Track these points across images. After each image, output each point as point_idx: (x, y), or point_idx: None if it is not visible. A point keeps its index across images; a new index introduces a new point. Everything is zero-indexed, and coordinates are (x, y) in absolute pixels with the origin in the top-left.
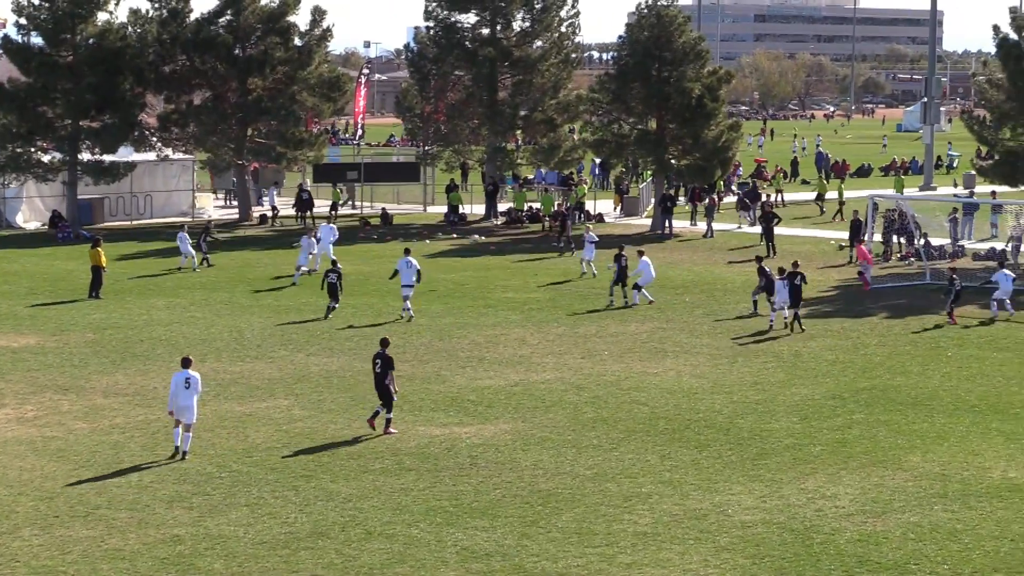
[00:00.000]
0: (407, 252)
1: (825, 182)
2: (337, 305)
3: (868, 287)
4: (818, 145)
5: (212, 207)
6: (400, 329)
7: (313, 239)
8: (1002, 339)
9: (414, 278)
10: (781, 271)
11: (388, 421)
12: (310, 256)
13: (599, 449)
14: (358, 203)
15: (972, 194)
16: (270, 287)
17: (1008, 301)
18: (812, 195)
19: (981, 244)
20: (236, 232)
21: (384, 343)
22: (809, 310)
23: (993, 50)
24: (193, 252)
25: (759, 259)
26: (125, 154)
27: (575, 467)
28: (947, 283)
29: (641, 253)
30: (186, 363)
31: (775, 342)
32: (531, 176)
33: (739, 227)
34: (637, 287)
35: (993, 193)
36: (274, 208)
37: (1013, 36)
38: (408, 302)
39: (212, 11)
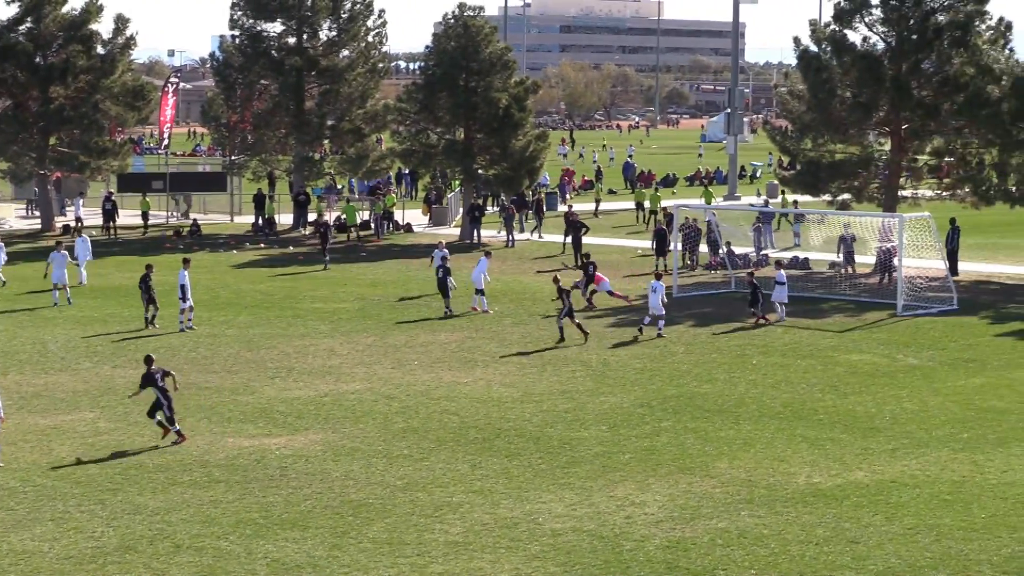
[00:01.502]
0: (185, 263)
1: (644, 191)
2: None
3: (618, 295)
4: (630, 155)
5: (13, 217)
6: (207, 340)
7: (64, 252)
8: (806, 347)
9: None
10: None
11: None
12: (76, 269)
13: (410, 459)
14: (163, 213)
15: (767, 203)
16: (76, 296)
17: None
18: (624, 204)
19: (784, 252)
20: (39, 243)
21: (149, 361)
22: (616, 319)
23: (794, 62)
24: None
25: (556, 279)
26: None
27: (386, 477)
28: (749, 288)
29: (488, 255)
30: None
31: (582, 350)
32: (340, 186)
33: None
34: (481, 292)
35: (795, 202)
36: (79, 219)
37: (813, 48)
38: (191, 312)
39: (11, 18)
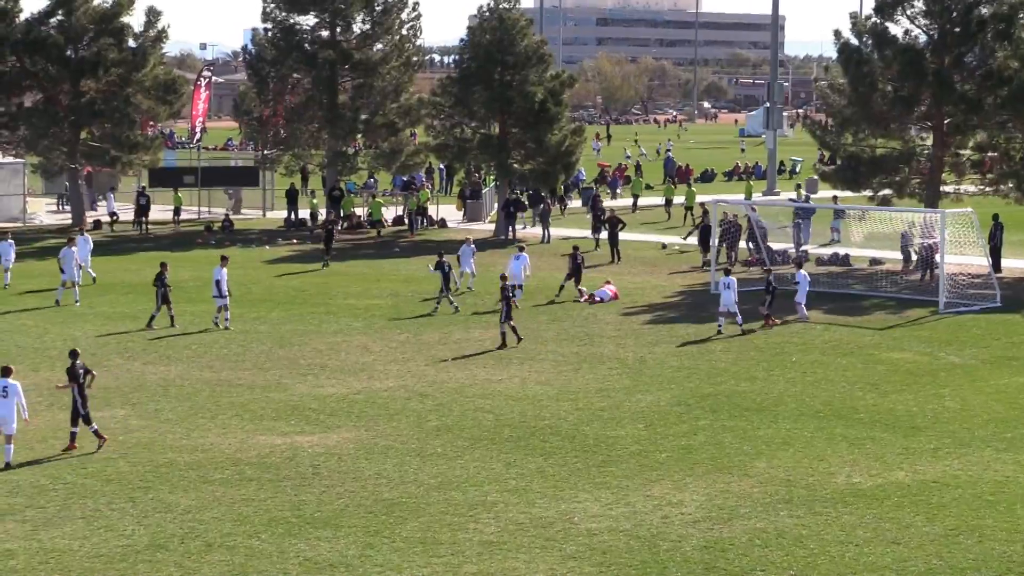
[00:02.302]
0: (223, 261)
1: (673, 187)
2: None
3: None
4: (668, 150)
5: (44, 212)
6: (239, 336)
7: (73, 249)
8: (846, 344)
9: (224, 289)
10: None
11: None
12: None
13: (443, 457)
14: (194, 208)
15: (808, 199)
16: (100, 293)
17: (802, 305)
18: (658, 200)
19: (824, 249)
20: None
21: (74, 355)
22: (654, 315)
23: (834, 55)
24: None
25: (504, 277)
26: None
27: (419, 476)
28: (765, 286)
29: (521, 249)
30: (6, 371)
31: (620, 348)
32: (371, 180)
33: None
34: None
35: (835, 198)
36: (113, 213)
37: (854, 41)
38: (227, 312)
39: (43, 11)
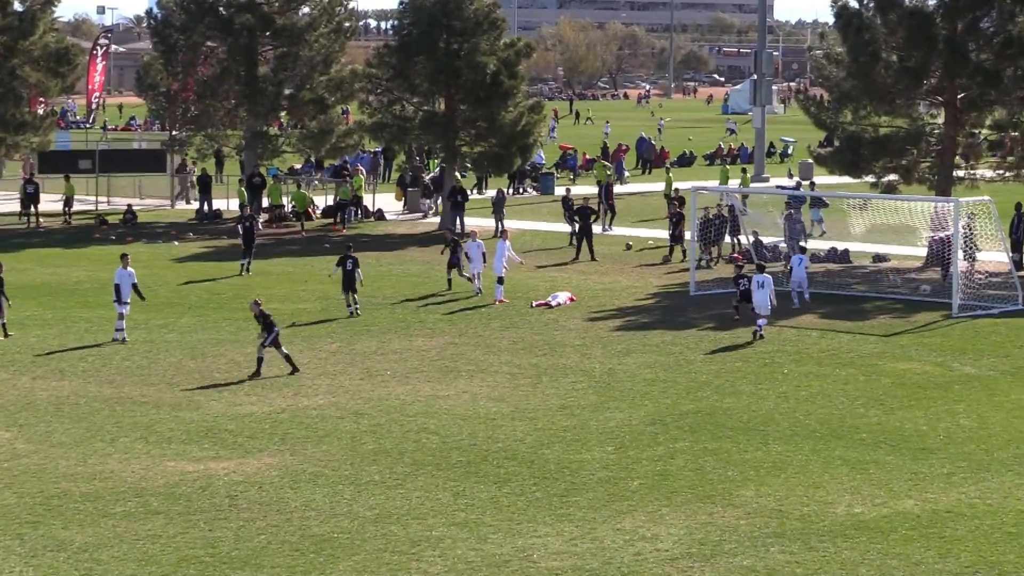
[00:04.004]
0: (124, 260)
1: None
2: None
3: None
4: (660, 128)
5: None
6: (143, 347)
7: None
8: (845, 353)
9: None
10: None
11: None
12: None
13: (381, 486)
14: (92, 198)
15: (799, 185)
16: None
17: (805, 291)
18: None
19: (821, 244)
20: None
21: None
22: (624, 321)
23: (831, 20)
24: None
25: (257, 304)
26: None
27: (354, 507)
28: (734, 279)
29: (504, 235)
30: None
31: (585, 358)
32: (298, 166)
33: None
34: (499, 279)
35: (812, 184)
36: None
37: (854, 4)
38: (122, 320)
39: None
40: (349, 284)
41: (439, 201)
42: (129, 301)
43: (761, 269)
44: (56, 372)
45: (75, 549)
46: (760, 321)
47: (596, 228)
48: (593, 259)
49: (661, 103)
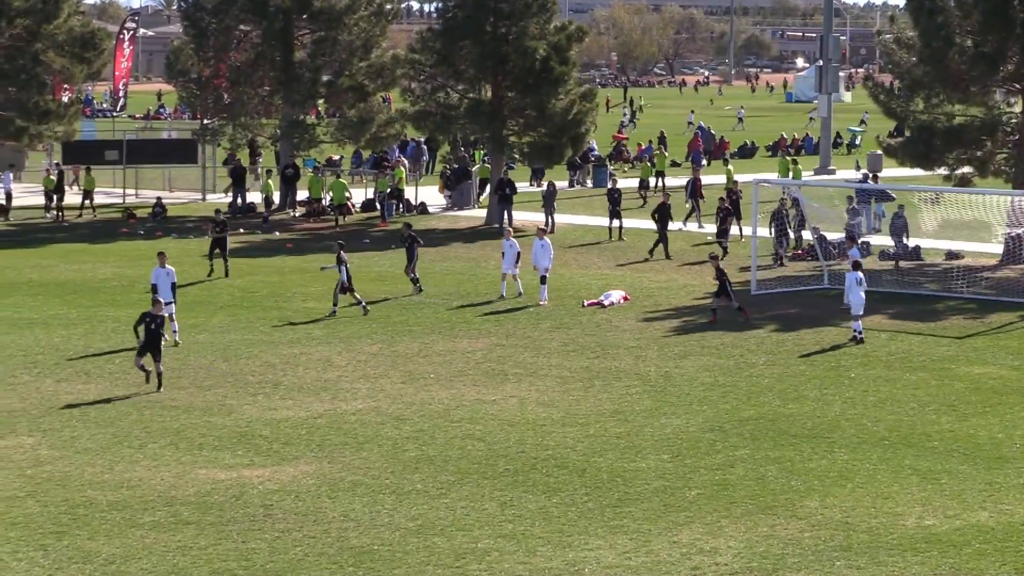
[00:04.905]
0: (161, 258)
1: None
2: None
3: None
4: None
5: None
6: (174, 348)
7: None
8: (916, 357)
9: (171, 293)
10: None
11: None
12: None
13: (424, 496)
14: (119, 191)
15: (867, 178)
16: (3, 295)
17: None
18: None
19: (891, 240)
20: None
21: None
22: (681, 322)
23: (902, 2)
24: None
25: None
26: None
27: (395, 518)
28: (716, 277)
29: (543, 232)
30: None
31: (640, 361)
32: (336, 157)
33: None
34: (542, 279)
35: (875, 176)
36: (9, 196)
37: None
38: (174, 322)
39: None
40: (347, 282)
41: (485, 194)
42: (173, 300)
43: (857, 267)
44: (82, 374)
45: (101, 561)
46: (855, 324)
47: (676, 225)
48: (667, 257)
49: (721, 90)
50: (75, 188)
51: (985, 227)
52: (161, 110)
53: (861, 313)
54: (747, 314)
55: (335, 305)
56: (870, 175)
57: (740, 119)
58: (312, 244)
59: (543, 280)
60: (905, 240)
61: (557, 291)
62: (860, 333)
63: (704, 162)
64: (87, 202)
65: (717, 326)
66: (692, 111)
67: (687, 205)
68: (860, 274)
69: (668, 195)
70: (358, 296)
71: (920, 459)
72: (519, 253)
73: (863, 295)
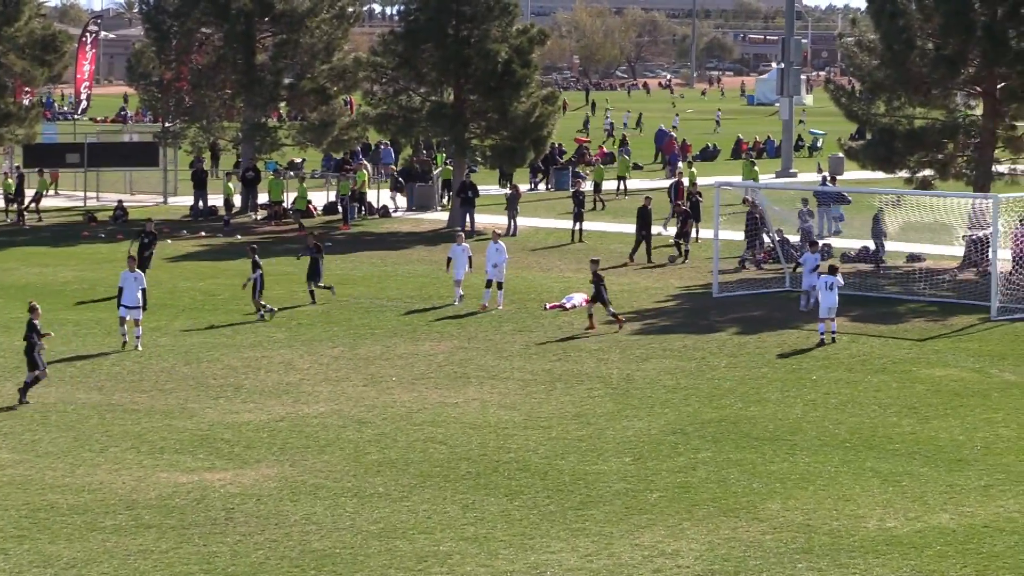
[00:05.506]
0: (131, 262)
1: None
2: None
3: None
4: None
5: None
6: (131, 352)
7: None
8: (878, 359)
9: (139, 298)
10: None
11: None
12: None
13: (386, 499)
14: (80, 193)
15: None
16: None
17: (811, 293)
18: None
19: (850, 243)
20: None
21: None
22: (643, 324)
23: (863, 5)
24: None
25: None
26: None
27: (357, 521)
28: (592, 281)
29: (498, 236)
30: None
31: (602, 364)
32: (298, 160)
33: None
34: (498, 284)
35: (833, 178)
36: None
37: None
38: (138, 327)
39: None
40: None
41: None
42: (141, 306)
43: (834, 271)
44: (50, 378)
45: (63, 565)
46: (821, 326)
47: (657, 228)
48: (649, 261)
49: (683, 94)
50: (52, 192)
51: (946, 229)
52: (122, 113)
53: (832, 317)
54: (620, 322)
55: (259, 310)
56: (828, 177)
57: (718, 122)
58: (274, 247)
59: (499, 285)
60: (884, 243)
61: (519, 294)
62: (824, 335)
63: (679, 166)
64: (32, 204)
65: (678, 329)
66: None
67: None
68: (834, 278)
69: (649, 198)
70: (263, 303)
71: (881, 461)
72: (471, 257)
73: (836, 298)
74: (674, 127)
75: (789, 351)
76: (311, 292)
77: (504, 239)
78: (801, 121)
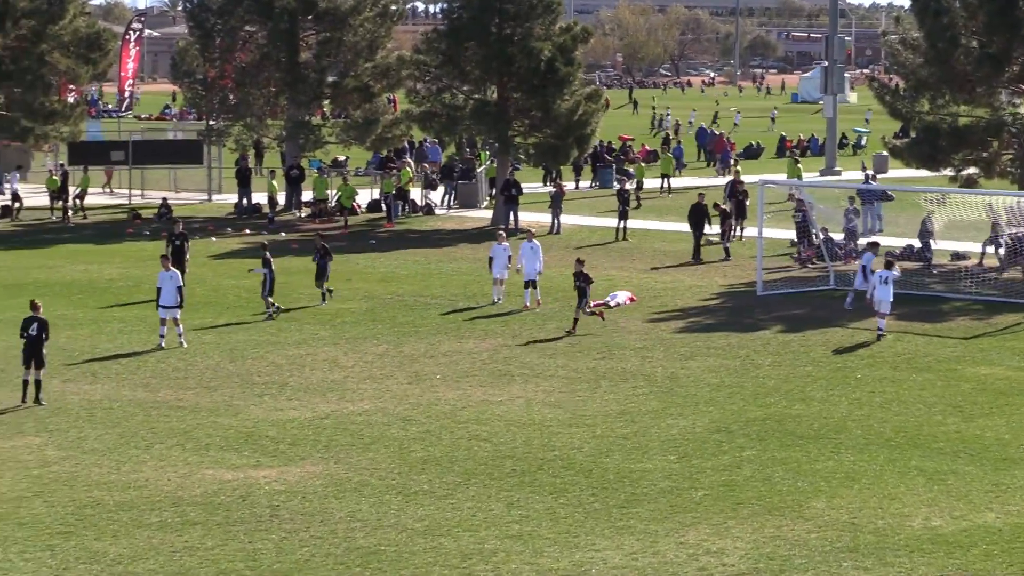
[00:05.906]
0: (165, 262)
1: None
2: None
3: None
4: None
5: None
6: (180, 349)
7: None
8: (922, 357)
9: (176, 297)
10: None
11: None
12: None
13: (431, 496)
14: (124, 191)
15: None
16: (10, 296)
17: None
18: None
19: (895, 241)
20: None
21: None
22: (687, 323)
23: (907, 3)
24: None
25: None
26: None
27: (401, 518)
28: (576, 281)
29: (531, 235)
30: None
31: (646, 362)
32: (342, 158)
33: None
34: (532, 283)
35: (874, 177)
36: (17, 197)
37: None
38: (179, 325)
39: None
40: (270, 286)
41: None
42: (178, 304)
43: (889, 265)
44: (88, 375)
45: (108, 561)
46: (880, 322)
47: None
48: (699, 260)
49: (726, 92)
50: (107, 189)
51: (991, 228)
52: (167, 111)
53: (885, 311)
54: (573, 331)
55: (269, 308)
56: (871, 175)
57: (773, 119)
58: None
59: (533, 284)
60: (931, 244)
61: (563, 292)
62: (883, 332)
63: (732, 162)
64: (78, 201)
65: (722, 327)
66: (738, 112)
67: (726, 206)
68: (889, 272)
69: (703, 195)
70: (271, 301)
71: (926, 460)
72: (511, 256)
73: (891, 292)
74: (735, 124)
75: (833, 349)
76: (322, 294)
77: (549, 237)
78: (867, 120)
